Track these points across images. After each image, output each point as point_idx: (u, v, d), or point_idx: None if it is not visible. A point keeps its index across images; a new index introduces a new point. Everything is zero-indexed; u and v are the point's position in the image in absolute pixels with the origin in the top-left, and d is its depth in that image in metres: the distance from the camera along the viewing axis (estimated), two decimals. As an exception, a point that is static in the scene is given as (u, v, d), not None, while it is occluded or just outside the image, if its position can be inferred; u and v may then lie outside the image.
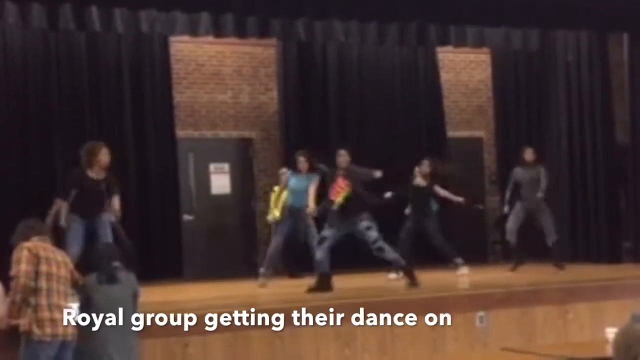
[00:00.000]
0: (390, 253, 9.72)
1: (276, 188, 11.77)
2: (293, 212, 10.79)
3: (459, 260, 11.50)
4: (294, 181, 10.76)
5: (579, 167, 12.97)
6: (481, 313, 8.81)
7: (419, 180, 11.54)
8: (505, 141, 14.01)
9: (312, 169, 10.57)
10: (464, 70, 14.66)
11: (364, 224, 9.58)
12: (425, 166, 11.53)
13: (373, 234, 9.59)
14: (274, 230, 11.51)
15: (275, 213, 11.51)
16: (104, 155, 8.94)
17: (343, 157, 9.88)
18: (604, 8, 11.91)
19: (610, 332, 6.25)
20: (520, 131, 14.03)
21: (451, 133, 14.08)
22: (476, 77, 14.71)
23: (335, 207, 9.66)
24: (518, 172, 11.84)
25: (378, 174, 9.77)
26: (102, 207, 8.88)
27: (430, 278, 11.19)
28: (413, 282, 9.76)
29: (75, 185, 8.84)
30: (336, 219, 9.69)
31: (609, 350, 3.46)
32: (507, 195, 12.00)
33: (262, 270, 10.80)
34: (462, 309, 8.74)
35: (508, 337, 8.73)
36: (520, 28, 12.20)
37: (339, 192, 9.66)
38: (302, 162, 10.66)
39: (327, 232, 9.67)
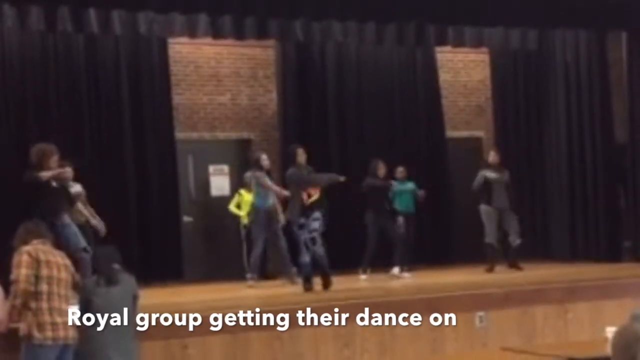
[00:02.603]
0: (306, 256, 9.94)
1: (242, 191, 11.89)
2: (266, 213, 10.96)
3: (367, 271, 11.46)
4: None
5: (578, 166, 12.97)
6: (481, 313, 8.81)
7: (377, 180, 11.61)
8: (504, 141, 13.99)
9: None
10: (463, 70, 14.65)
11: (316, 215, 10.03)
12: (380, 167, 11.56)
13: (316, 224, 10.01)
14: (246, 233, 11.67)
15: (244, 217, 11.83)
16: (54, 162, 8.75)
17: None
18: (602, 7, 11.91)
19: (610, 332, 6.25)
20: (519, 130, 14.04)
21: (450, 133, 14.08)
22: (475, 77, 14.69)
23: (309, 202, 10.01)
24: (486, 173, 11.93)
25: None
26: (61, 209, 8.80)
27: (429, 278, 11.22)
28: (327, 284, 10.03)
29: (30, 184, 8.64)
30: (304, 215, 9.96)
31: (609, 350, 3.45)
32: (485, 196, 12.00)
33: (248, 275, 11.00)
34: (461, 308, 8.73)
35: (508, 337, 8.73)
36: (518, 27, 12.22)
37: (318, 190, 10.13)
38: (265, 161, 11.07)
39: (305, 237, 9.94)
